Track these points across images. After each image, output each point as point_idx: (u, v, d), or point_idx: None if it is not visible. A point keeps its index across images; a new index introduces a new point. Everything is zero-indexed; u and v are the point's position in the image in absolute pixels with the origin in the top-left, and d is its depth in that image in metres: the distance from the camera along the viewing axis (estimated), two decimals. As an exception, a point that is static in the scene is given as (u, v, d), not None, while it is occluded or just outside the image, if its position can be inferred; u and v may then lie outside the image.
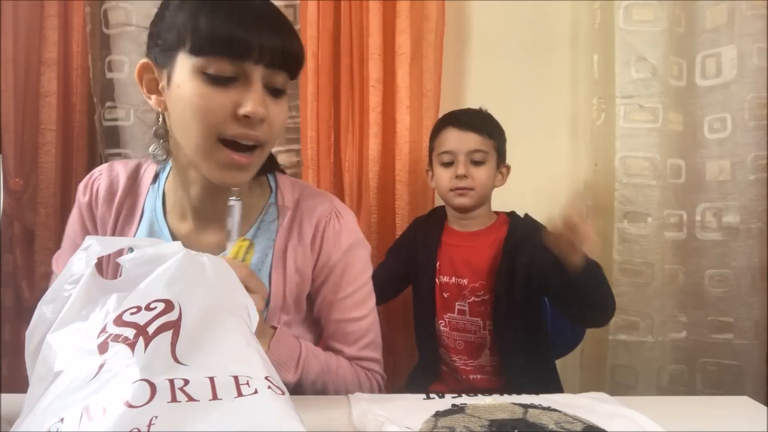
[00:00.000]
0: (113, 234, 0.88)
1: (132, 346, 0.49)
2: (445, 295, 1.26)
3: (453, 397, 0.80)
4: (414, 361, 1.40)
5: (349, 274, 0.88)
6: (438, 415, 0.73)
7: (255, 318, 0.63)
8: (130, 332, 0.50)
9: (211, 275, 0.58)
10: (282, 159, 1.55)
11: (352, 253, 0.89)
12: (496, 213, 1.31)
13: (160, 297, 0.53)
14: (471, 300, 1.23)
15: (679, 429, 0.72)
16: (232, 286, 0.61)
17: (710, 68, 1.50)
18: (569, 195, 1.53)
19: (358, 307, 0.90)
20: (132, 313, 0.51)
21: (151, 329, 0.50)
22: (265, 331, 0.79)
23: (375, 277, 1.01)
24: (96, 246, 0.58)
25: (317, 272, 0.88)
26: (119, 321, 0.51)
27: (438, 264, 1.28)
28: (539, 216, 1.30)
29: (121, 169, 0.90)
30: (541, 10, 1.59)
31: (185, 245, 0.85)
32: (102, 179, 0.89)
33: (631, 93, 1.47)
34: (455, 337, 1.25)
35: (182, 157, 0.79)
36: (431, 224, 1.33)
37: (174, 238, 0.85)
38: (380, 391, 0.91)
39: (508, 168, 1.30)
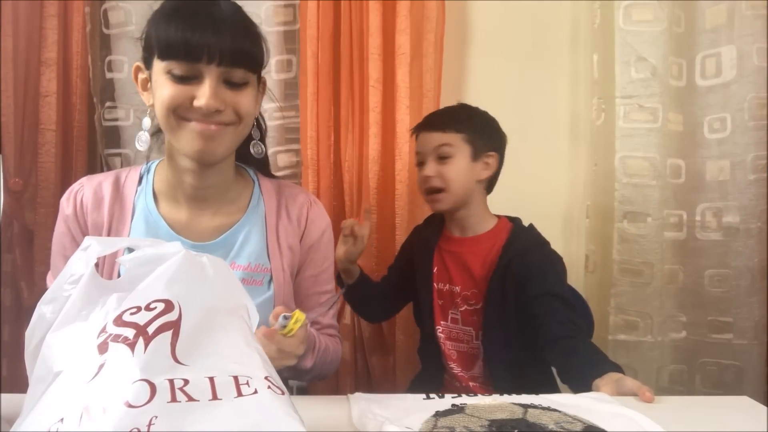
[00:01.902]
0: (108, 233, 0.91)
1: (132, 346, 0.49)
2: (440, 303, 1.24)
3: (453, 397, 0.80)
4: (413, 361, 1.40)
5: (326, 252, 1.03)
6: (438, 415, 0.73)
7: (255, 318, 0.63)
8: (129, 332, 0.50)
9: (211, 275, 0.58)
10: (282, 159, 1.55)
11: (327, 234, 1.04)
12: (498, 216, 1.26)
13: (160, 297, 0.53)
14: (463, 308, 1.20)
15: (679, 429, 0.72)
16: (232, 286, 0.61)
17: (710, 68, 1.50)
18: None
19: (330, 281, 1.06)
20: (132, 314, 0.51)
21: (150, 329, 0.50)
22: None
23: (379, 293, 1.23)
24: (96, 246, 0.58)
25: (302, 250, 1.00)
26: (119, 321, 0.51)
27: (435, 269, 1.25)
28: (539, 215, 1.30)
29: (101, 179, 0.96)
30: (541, 10, 1.59)
31: (183, 231, 0.92)
32: (85, 190, 0.94)
33: (631, 93, 1.47)
34: (449, 347, 1.23)
35: (172, 146, 0.89)
36: (429, 231, 1.30)
37: (171, 227, 0.92)
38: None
39: (495, 156, 1.22)
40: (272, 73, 1.51)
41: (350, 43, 1.48)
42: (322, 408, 0.78)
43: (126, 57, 1.52)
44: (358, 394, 0.80)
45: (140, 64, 0.89)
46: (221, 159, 0.89)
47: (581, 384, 0.92)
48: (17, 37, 1.43)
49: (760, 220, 1.46)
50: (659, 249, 1.48)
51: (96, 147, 1.57)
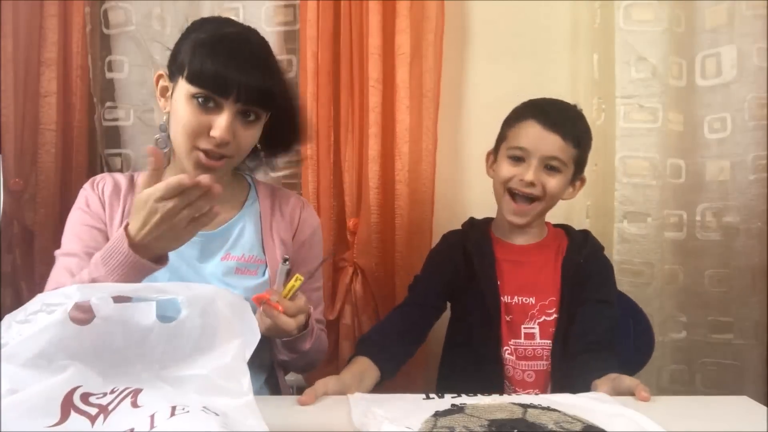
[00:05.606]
0: (121, 221, 0.98)
1: (92, 420, 0.54)
2: (509, 318, 1.12)
3: (452, 397, 0.80)
4: (413, 361, 1.39)
5: (316, 251, 1.12)
6: (437, 415, 0.73)
7: (253, 343, 0.64)
8: (93, 410, 0.54)
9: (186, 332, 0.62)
10: (282, 159, 1.54)
11: (318, 234, 1.14)
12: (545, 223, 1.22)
13: (124, 386, 0.57)
14: (541, 320, 1.11)
15: (679, 429, 0.72)
16: (221, 328, 0.63)
17: (710, 68, 1.50)
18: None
19: (319, 279, 1.16)
20: (98, 398, 0.56)
21: (112, 406, 0.55)
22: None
23: (404, 346, 1.15)
24: (77, 294, 0.60)
25: (294, 247, 1.09)
26: (86, 401, 0.55)
27: (499, 283, 1.14)
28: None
29: (118, 176, 1.06)
30: (541, 10, 1.59)
31: None
32: (106, 182, 1.03)
33: (631, 93, 1.47)
34: (523, 367, 1.10)
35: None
36: (477, 239, 1.19)
37: None
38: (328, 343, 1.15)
39: (583, 181, 1.18)
40: (272, 73, 1.51)
41: (350, 43, 1.48)
42: (322, 408, 0.78)
43: (126, 57, 1.52)
44: (358, 394, 0.80)
45: (164, 72, 0.97)
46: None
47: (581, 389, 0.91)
48: (17, 37, 1.43)
49: (760, 220, 1.46)
50: (659, 249, 1.48)
51: (96, 147, 1.57)
